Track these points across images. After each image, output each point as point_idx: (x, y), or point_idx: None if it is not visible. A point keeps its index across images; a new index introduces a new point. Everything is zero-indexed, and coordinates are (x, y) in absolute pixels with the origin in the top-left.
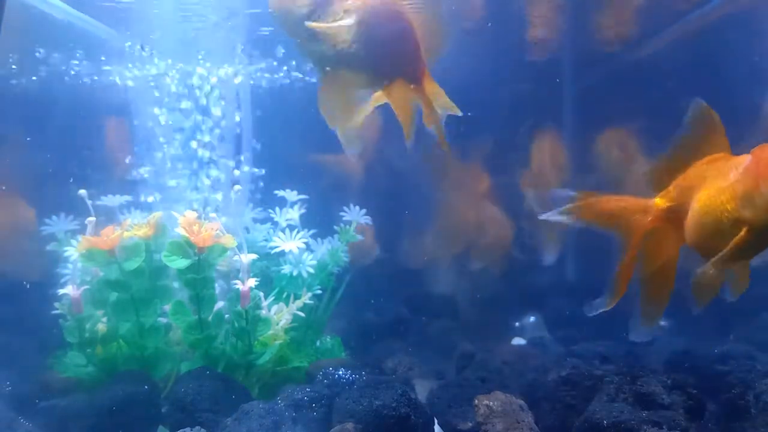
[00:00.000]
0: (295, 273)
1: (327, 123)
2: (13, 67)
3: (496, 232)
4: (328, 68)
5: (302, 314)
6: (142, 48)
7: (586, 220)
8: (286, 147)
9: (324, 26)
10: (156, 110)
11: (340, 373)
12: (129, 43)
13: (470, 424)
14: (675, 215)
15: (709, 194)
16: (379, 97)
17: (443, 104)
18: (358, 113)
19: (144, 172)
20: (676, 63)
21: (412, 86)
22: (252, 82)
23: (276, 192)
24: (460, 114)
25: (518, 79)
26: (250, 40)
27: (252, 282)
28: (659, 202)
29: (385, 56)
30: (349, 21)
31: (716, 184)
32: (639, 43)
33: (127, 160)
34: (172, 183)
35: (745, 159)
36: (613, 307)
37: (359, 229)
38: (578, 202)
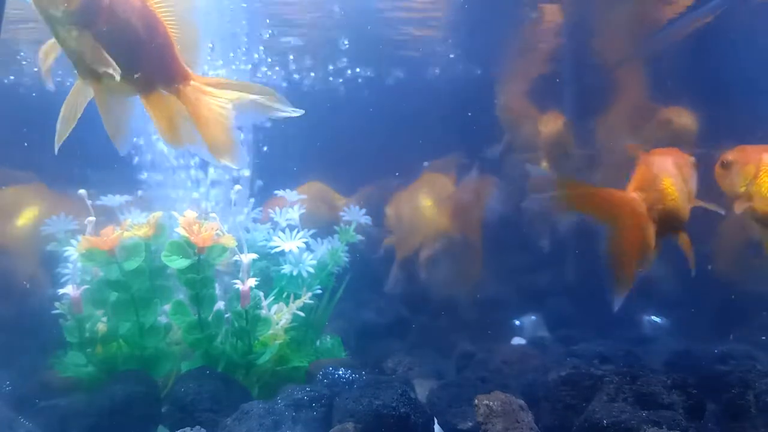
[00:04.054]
0: (295, 273)
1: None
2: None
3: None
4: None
5: (302, 314)
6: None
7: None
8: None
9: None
10: None
11: (340, 372)
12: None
13: (470, 424)
14: None
15: None
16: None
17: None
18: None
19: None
20: None
21: (170, 91)
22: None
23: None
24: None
25: None
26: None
27: (252, 282)
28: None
29: (131, 58)
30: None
31: None
32: None
33: None
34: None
35: None
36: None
37: None
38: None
